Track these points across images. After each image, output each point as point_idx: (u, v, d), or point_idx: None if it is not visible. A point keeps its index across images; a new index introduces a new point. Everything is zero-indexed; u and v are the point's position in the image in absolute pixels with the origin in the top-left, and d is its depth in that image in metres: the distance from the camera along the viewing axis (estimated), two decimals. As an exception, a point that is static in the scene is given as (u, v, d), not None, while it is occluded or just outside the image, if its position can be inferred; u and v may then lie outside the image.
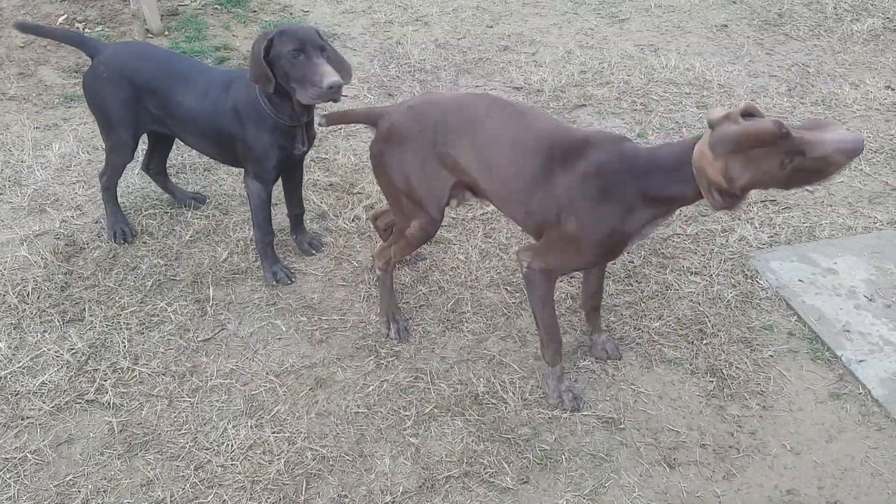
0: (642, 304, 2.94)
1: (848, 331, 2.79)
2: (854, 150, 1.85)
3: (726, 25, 5.09)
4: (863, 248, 3.20)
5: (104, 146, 3.05)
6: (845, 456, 2.36)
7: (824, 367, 2.67)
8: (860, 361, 2.67)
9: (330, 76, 2.52)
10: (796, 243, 3.23)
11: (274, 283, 2.98)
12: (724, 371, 2.64)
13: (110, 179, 3.11)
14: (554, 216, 2.25)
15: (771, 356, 2.71)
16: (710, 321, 2.85)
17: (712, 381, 2.61)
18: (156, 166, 3.30)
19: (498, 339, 2.81)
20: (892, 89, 4.39)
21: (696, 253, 3.19)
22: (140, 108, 2.89)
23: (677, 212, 3.41)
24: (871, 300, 2.93)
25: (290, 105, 2.69)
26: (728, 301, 2.94)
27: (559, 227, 2.25)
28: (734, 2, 5.42)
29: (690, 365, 2.67)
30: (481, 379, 2.63)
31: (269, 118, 2.71)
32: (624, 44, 4.87)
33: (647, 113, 4.14)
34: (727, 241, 3.25)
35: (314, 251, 3.18)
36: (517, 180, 2.31)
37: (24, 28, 3.05)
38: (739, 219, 3.37)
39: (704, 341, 2.77)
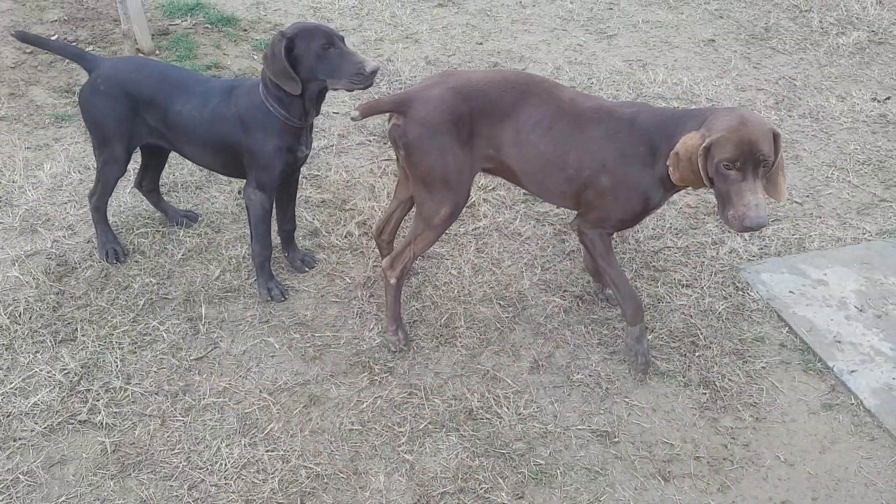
0: (635, 318, 2.95)
1: (839, 341, 2.81)
2: (746, 229, 2.20)
3: (713, 40, 5.15)
4: (852, 259, 3.23)
5: (96, 163, 3.05)
6: (839, 467, 2.37)
7: (816, 378, 2.69)
8: (852, 372, 2.68)
9: (371, 61, 2.64)
10: (786, 255, 3.25)
11: (268, 298, 2.98)
12: (717, 383, 2.65)
13: (100, 199, 3.11)
14: (588, 175, 2.50)
15: (763, 368, 2.72)
16: (702, 333, 2.86)
17: (705, 394, 2.61)
18: (149, 184, 3.30)
19: (492, 354, 2.81)
20: (879, 101, 4.44)
21: (686, 265, 3.21)
22: (137, 122, 2.90)
23: (668, 224, 3.43)
24: (861, 311, 2.95)
25: (299, 104, 2.71)
26: (720, 313, 2.95)
27: (596, 186, 2.49)
28: (721, 17, 5.48)
29: (683, 377, 2.68)
30: (475, 394, 2.63)
31: (276, 121, 2.72)
32: (612, 59, 4.92)
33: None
34: (717, 253, 3.27)
35: (307, 268, 3.18)
36: (554, 154, 2.51)
37: (24, 38, 3.05)
38: (729, 231, 3.40)
39: (697, 353, 2.78)
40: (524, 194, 3.65)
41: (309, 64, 2.62)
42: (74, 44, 4.92)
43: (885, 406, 2.55)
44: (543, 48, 5.11)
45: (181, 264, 3.16)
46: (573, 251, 3.31)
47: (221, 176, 3.52)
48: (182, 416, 2.53)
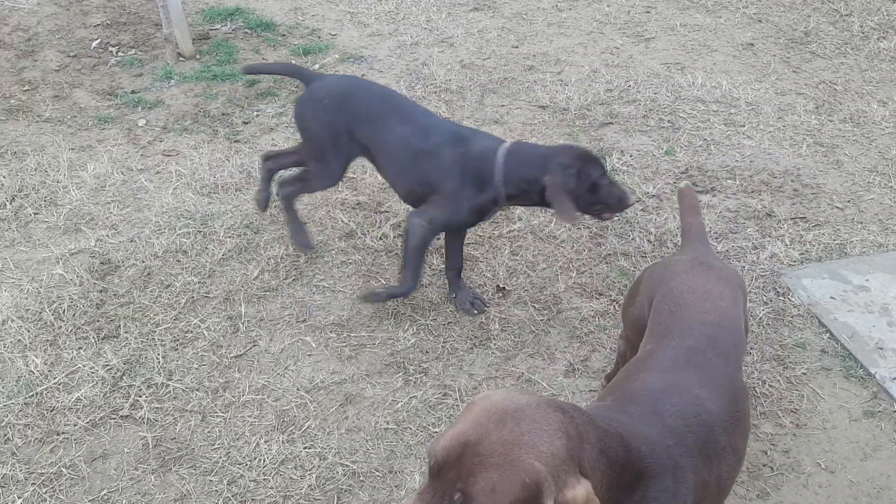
0: (672, 322, 2.93)
1: (881, 348, 2.76)
2: None
3: (752, 44, 5.09)
4: (895, 265, 3.17)
5: (307, 169, 3.02)
6: (881, 474, 2.33)
7: (858, 384, 2.64)
8: (894, 379, 2.63)
9: (631, 196, 2.68)
10: (827, 260, 3.20)
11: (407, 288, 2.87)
12: (757, 389, 2.62)
13: (293, 193, 3.10)
14: None
15: (804, 374, 2.68)
16: (740, 338, 2.82)
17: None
18: (274, 164, 3.23)
19: (526, 357, 2.81)
20: (922, 106, 4.36)
21: (725, 270, 3.17)
22: (352, 138, 2.84)
23: (708, 228, 3.40)
24: (905, 317, 2.90)
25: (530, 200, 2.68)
26: (760, 318, 2.91)
27: None
28: (759, 21, 5.42)
29: (722, 382, 2.65)
30: (510, 396, 2.63)
31: (493, 190, 2.64)
32: (650, 62, 4.88)
33: (675, 130, 4.15)
34: (758, 258, 3.23)
35: (475, 311, 2.97)
36: None
37: (251, 70, 3.26)
38: (770, 236, 3.35)
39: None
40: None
41: (583, 191, 2.57)
42: (117, 48, 5.03)
43: (931, 415, 2.50)
44: (580, 51, 5.09)
45: (221, 264, 3.21)
46: (609, 255, 3.30)
47: (259, 177, 3.57)
48: (222, 413, 2.57)
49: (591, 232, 3.44)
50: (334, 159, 2.90)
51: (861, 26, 5.32)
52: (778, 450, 2.41)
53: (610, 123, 4.26)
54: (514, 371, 2.74)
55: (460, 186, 2.65)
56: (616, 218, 2.84)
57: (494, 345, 2.86)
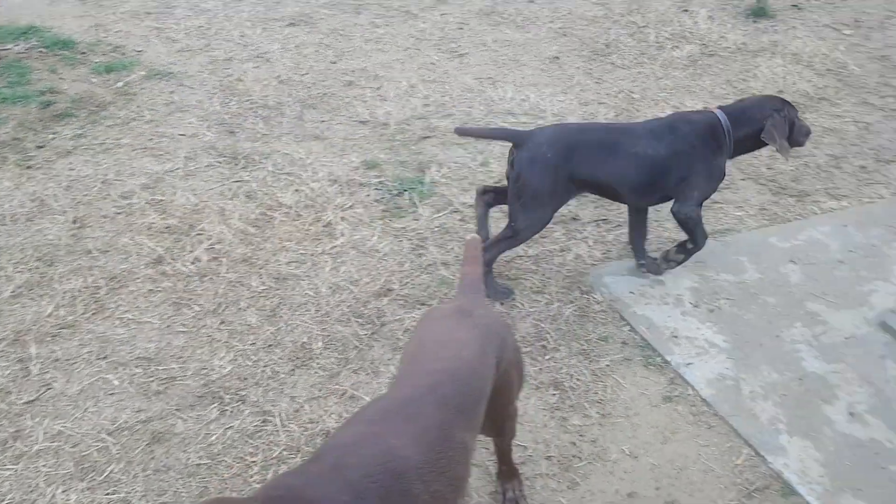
0: (488, 327, 3.01)
1: (676, 336, 2.98)
2: None
3: (558, 57, 5.38)
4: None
5: (512, 225, 3.05)
6: (680, 455, 2.51)
7: (656, 372, 2.83)
8: (688, 364, 2.85)
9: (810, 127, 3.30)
10: (627, 258, 3.42)
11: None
12: (565, 383, 2.74)
13: (501, 252, 3.16)
14: None
15: (608, 365, 2.84)
16: (551, 337, 2.95)
17: (555, 394, 2.70)
18: (491, 198, 3.26)
19: (350, 373, 2.79)
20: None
21: (536, 273, 3.31)
22: (572, 182, 3.01)
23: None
24: (695, 306, 3.15)
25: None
26: (567, 317, 3.06)
27: None
28: (565, 34, 5.74)
29: (535, 380, 2.76)
30: (332, 415, 2.59)
31: (726, 149, 3.08)
32: (464, 77, 5.03)
33: (488, 142, 4.29)
34: (565, 259, 3.40)
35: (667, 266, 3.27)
36: None
37: (464, 133, 3.42)
38: (575, 238, 3.54)
39: (547, 356, 2.86)
40: (382, 211, 3.66)
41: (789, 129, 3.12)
42: None
43: (720, 395, 2.72)
44: (398, 67, 5.16)
45: (10, 302, 2.94)
46: (430, 265, 3.34)
47: (54, 205, 3.31)
48: (12, 465, 2.35)
49: (412, 244, 3.47)
50: (551, 207, 3.07)
51: (656, 37, 5.76)
52: (586, 440, 2.54)
53: (428, 137, 4.34)
54: (338, 389, 2.71)
55: (712, 158, 3.06)
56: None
57: (317, 364, 2.81)
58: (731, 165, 3.58)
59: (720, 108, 3.15)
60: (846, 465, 2.45)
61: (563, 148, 2.98)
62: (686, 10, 6.14)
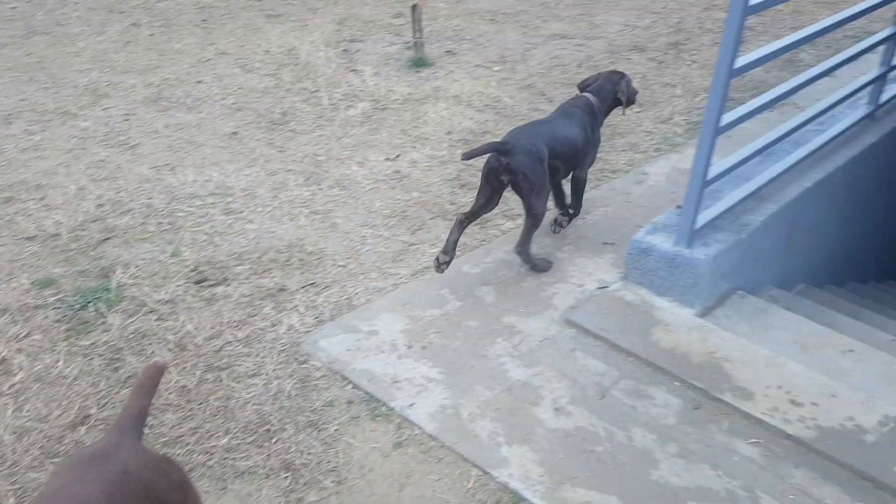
0: (206, 425, 2.84)
1: (397, 381, 3.05)
2: None
3: (236, 132, 5.33)
4: (395, 303, 3.55)
5: (530, 210, 3.60)
6: (417, 497, 2.55)
7: (384, 421, 2.87)
8: (411, 405, 2.92)
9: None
10: (339, 317, 3.45)
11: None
12: (296, 461, 2.67)
13: (532, 236, 3.72)
14: None
15: (336, 430, 2.81)
16: (274, 418, 2.86)
17: (287, 476, 2.61)
18: (467, 223, 3.72)
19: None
20: (391, 160, 5.03)
21: (250, 355, 3.20)
22: (548, 164, 3.66)
23: (225, 320, 3.39)
24: (409, 347, 3.25)
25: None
26: (288, 392, 2.99)
27: None
28: (239, 109, 5.72)
29: (264, 469, 2.64)
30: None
31: (600, 116, 4.02)
32: (139, 168, 4.78)
33: (176, 231, 4.10)
34: (277, 333, 3.33)
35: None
36: None
37: (469, 156, 3.42)
38: (285, 309, 3.49)
39: (274, 439, 2.77)
40: (66, 330, 3.30)
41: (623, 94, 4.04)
42: None
43: (443, 426, 2.82)
44: (63, 171, 4.76)
45: None
46: (130, 376, 3.08)
47: None
48: None
49: (104, 360, 3.17)
50: (549, 184, 3.70)
51: (329, 99, 5.97)
52: (323, 514, 2.48)
53: (109, 238, 4.03)
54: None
55: (592, 129, 3.92)
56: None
57: (13, 525, 2.43)
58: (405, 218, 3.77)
59: (582, 90, 4.08)
60: (560, 458, 2.67)
61: (542, 142, 3.66)
62: (353, 70, 6.46)
